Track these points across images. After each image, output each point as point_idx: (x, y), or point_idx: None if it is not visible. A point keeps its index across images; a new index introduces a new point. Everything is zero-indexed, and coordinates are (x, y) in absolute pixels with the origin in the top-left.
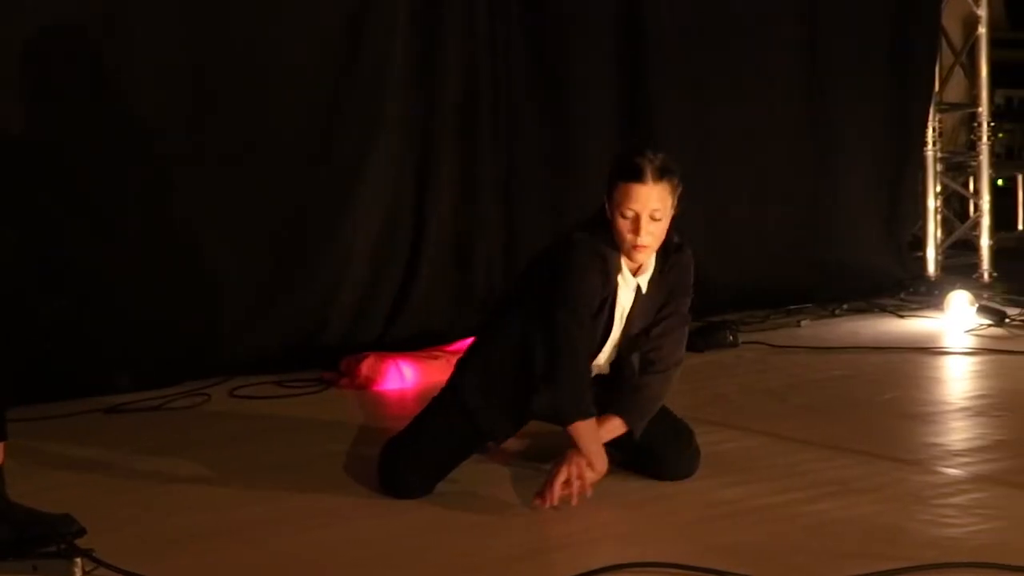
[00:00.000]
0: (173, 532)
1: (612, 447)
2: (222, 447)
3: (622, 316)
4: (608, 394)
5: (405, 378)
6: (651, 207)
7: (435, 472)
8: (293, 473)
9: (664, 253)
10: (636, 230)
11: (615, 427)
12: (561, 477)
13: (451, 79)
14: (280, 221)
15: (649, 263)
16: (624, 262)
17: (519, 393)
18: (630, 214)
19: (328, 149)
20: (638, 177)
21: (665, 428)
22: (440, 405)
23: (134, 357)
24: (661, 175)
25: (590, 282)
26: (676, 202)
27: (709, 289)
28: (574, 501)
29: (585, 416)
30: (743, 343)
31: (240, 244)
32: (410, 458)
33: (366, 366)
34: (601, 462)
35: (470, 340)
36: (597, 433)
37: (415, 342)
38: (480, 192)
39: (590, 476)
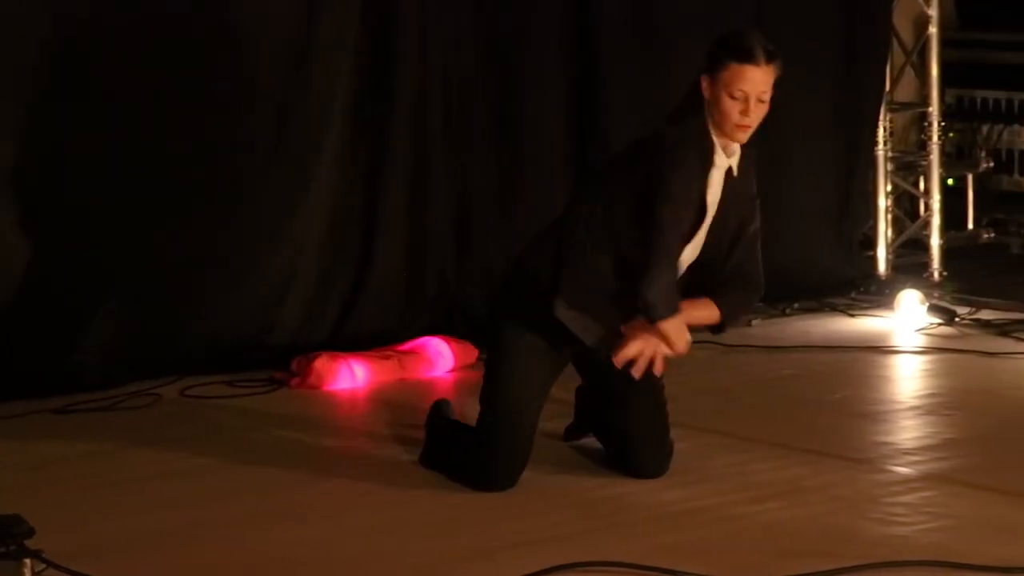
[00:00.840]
0: (125, 532)
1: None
2: (173, 447)
3: (713, 202)
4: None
5: (356, 378)
6: (760, 89)
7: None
8: (245, 473)
9: (750, 145)
10: (746, 111)
11: (710, 315)
12: (632, 351)
13: (403, 80)
14: (230, 221)
15: (736, 152)
16: (717, 144)
17: (620, 297)
18: (740, 95)
19: (279, 150)
20: (751, 59)
21: (649, 425)
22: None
23: (81, 357)
24: (770, 58)
25: (691, 175)
26: (776, 85)
27: None
28: (638, 374)
29: (674, 314)
30: (694, 343)
31: (190, 244)
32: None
33: (317, 366)
34: (683, 342)
35: (422, 339)
36: (682, 323)
37: (366, 342)
38: (431, 192)
39: (663, 351)
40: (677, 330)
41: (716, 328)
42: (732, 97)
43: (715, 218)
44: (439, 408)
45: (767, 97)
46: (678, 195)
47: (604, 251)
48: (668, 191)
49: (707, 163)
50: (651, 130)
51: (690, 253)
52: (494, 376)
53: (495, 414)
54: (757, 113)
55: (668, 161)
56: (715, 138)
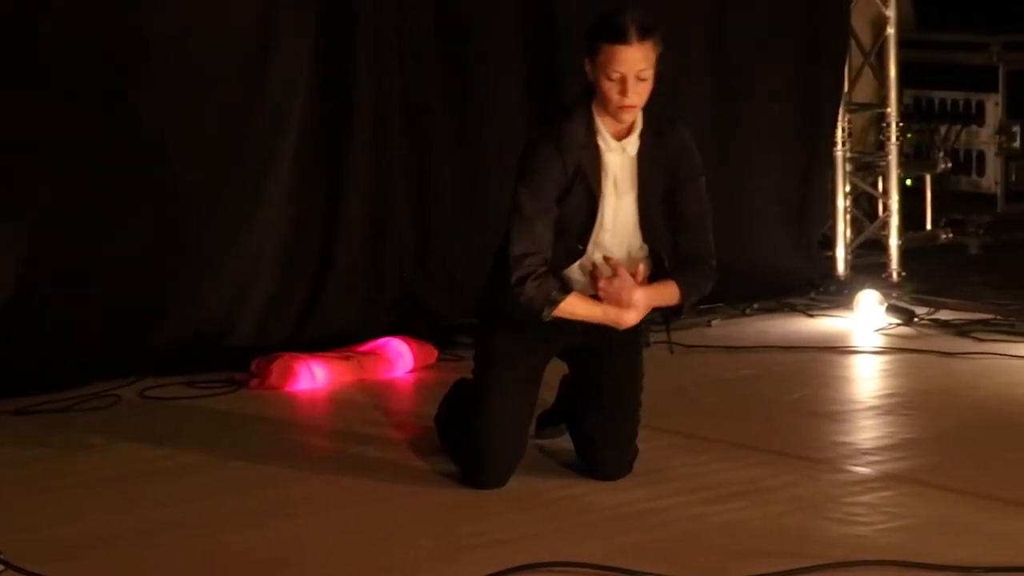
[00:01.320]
0: (84, 534)
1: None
2: (133, 448)
3: (616, 183)
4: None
5: (316, 379)
6: (637, 67)
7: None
8: (204, 474)
9: (654, 122)
10: (624, 91)
11: (671, 295)
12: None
13: (362, 80)
14: (190, 222)
15: (635, 128)
16: (605, 127)
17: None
18: (616, 75)
19: (239, 150)
20: (624, 38)
21: (615, 427)
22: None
23: (40, 358)
24: (644, 35)
25: (543, 160)
26: (658, 60)
27: None
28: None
29: (553, 306)
30: (654, 343)
31: (148, 246)
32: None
33: (277, 367)
34: (625, 315)
35: (382, 340)
36: (587, 304)
37: (327, 342)
38: (391, 193)
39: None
40: (597, 312)
41: (675, 310)
42: (610, 79)
43: (639, 201)
44: (459, 387)
45: (648, 75)
46: (528, 180)
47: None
48: (518, 174)
49: (579, 148)
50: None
51: (612, 239)
52: (483, 381)
53: (481, 420)
54: (638, 91)
55: (525, 148)
56: (600, 122)
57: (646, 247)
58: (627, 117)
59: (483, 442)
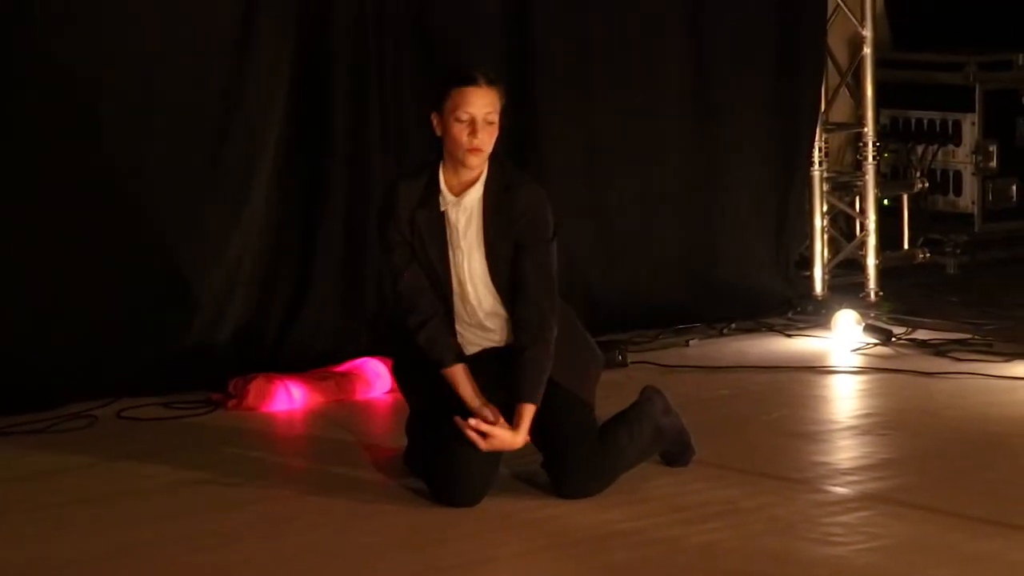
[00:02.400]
0: (62, 554)
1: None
2: (109, 469)
3: (460, 233)
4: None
5: (294, 399)
6: (485, 110)
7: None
8: (182, 494)
9: (506, 175)
10: (473, 131)
11: (528, 413)
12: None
13: (339, 98)
14: (166, 241)
15: (479, 180)
16: (447, 182)
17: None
18: (466, 117)
19: (215, 172)
20: (472, 81)
21: (574, 443)
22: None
23: (16, 379)
24: (491, 81)
25: (385, 233)
26: (502, 113)
27: (597, 305)
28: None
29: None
30: (632, 363)
31: (125, 264)
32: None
33: (254, 387)
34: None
35: (359, 360)
36: (466, 381)
37: (304, 363)
38: (370, 212)
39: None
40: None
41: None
42: (459, 120)
43: (487, 256)
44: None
45: (494, 119)
46: (386, 258)
47: None
48: (380, 245)
49: (425, 206)
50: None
51: (473, 292)
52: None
53: (449, 434)
54: (485, 135)
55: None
56: (443, 178)
57: (499, 300)
58: (475, 161)
59: (453, 456)
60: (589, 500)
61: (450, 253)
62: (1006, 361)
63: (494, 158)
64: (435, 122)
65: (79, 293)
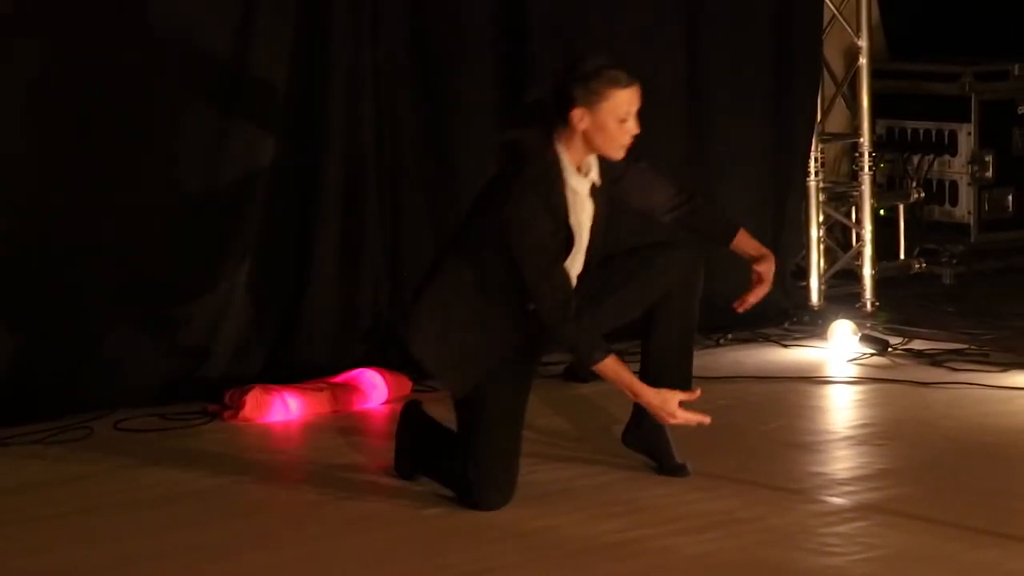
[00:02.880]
0: (56, 566)
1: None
2: (106, 480)
3: (584, 221)
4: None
5: (290, 410)
6: (638, 106)
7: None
8: (178, 506)
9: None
10: (636, 126)
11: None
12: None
13: (334, 112)
14: (164, 254)
15: (592, 162)
16: (570, 168)
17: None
18: (627, 115)
19: (211, 184)
20: (630, 82)
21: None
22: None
23: (14, 390)
24: (633, 76)
25: (536, 221)
26: None
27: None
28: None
29: (603, 353)
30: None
31: (122, 277)
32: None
33: (251, 398)
34: (646, 394)
35: (356, 371)
36: (620, 372)
37: (300, 374)
38: (365, 223)
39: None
40: (628, 383)
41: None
42: (621, 121)
43: (594, 229)
44: (415, 411)
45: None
46: (531, 246)
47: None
48: (522, 249)
49: (558, 193)
50: (500, 171)
51: (579, 264)
52: (479, 423)
53: (487, 459)
54: (635, 127)
55: (515, 217)
56: (567, 163)
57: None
58: (623, 154)
59: (493, 476)
60: (583, 511)
61: (577, 233)
62: (1002, 371)
63: None
64: (578, 116)
65: (75, 305)
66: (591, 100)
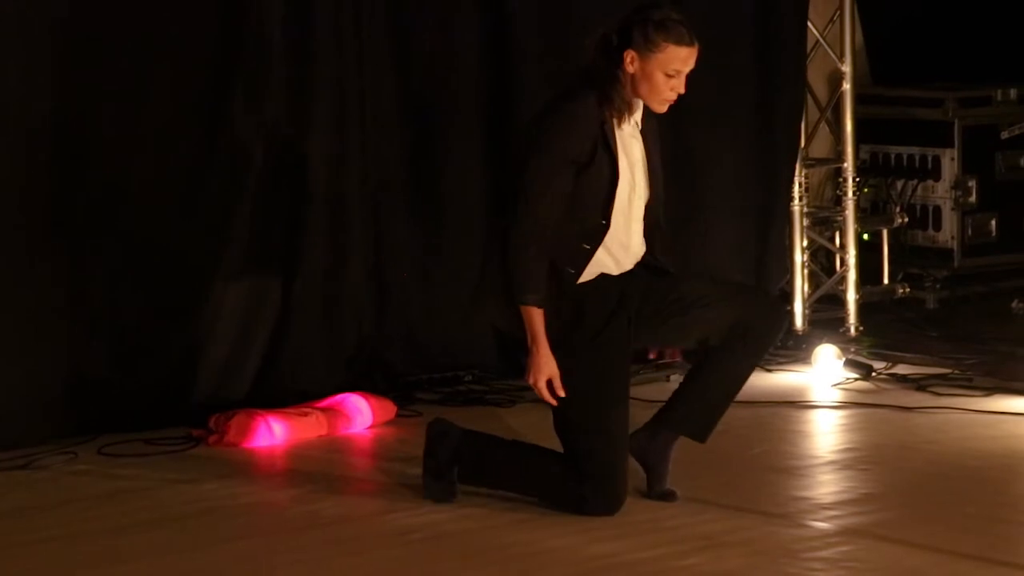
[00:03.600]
0: None
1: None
2: (90, 505)
3: (632, 164)
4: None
5: (275, 435)
6: (691, 66)
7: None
8: (163, 531)
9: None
10: (677, 87)
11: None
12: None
13: (318, 141)
14: (148, 277)
15: (638, 106)
16: (617, 106)
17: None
18: (675, 73)
19: (196, 208)
20: (689, 41)
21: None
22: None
23: None
24: (695, 39)
25: (561, 149)
26: None
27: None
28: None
29: (535, 295)
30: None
31: (107, 299)
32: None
33: (235, 423)
34: (540, 355)
35: (340, 396)
36: (535, 323)
37: (285, 399)
38: (350, 247)
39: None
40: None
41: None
42: (668, 75)
43: (649, 168)
44: (449, 426)
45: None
46: (543, 154)
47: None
48: (534, 144)
49: (597, 125)
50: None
51: (638, 206)
52: (583, 401)
53: (593, 441)
54: (681, 86)
55: (542, 118)
56: (626, 100)
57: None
58: (664, 108)
59: (602, 464)
60: (568, 536)
61: (623, 167)
62: (986, 396)
63: None
64: (629, 59)
65: (59, 329)
66: (647, 46)
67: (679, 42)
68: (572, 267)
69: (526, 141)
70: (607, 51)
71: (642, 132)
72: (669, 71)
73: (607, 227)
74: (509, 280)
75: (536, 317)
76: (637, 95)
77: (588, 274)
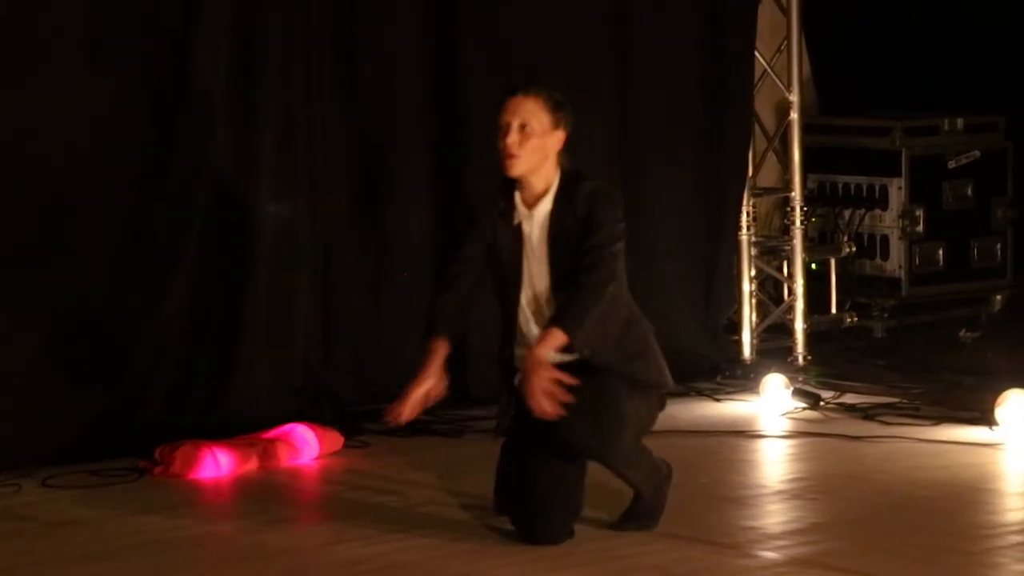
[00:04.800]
0: None
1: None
2: (34, 538)
3: (533, 246)
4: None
5: (221, 466)
6: (520, 117)
7: None
8: (108, 564)
9: (565, 183)
10: (504, 136)
11: (555, 337)
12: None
13: (264, 165)
14: (95, 308)
15: (547, 196)
16: (518, 198)
17: None
18: (502, 125)
19: (142, 240)
20: (511, 92)
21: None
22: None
23: None
24: (535, 91)
25: (473, 229)
26: (562, 130)
27: None
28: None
29: (429, 333)
30: None
31: (52, 330)
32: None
33: (181, 454)
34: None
35: (287, 427)
36: (440, 355)
37: (232, 429)
38: (296, 279)
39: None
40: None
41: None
42: (498, 130)
43: (551, 266)
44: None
45: (530, 129)
46: (461, 232)
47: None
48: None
49: (499, 220)
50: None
51: (544, 289)
52: None
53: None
54: (520, 141)
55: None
56: (518, 194)
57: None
58: (513, 170)
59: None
60: (517, 566)
61: (524, 264)
62: (934, 425)
63: (565, 173)
64: None
65: (4, 360)
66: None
67: (504, 99)
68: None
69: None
70: None
71: (553, 220)
72: (499, 125)
73: (515, 315)
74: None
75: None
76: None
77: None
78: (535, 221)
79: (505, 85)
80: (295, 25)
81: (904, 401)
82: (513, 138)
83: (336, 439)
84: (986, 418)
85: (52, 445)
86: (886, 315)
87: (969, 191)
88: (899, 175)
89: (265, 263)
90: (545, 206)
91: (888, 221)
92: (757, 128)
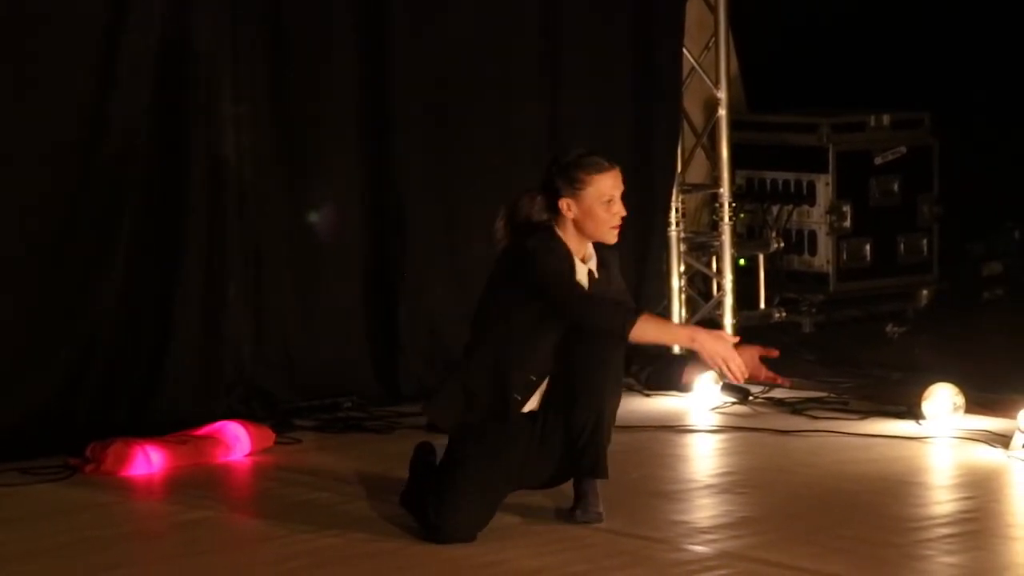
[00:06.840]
0: None
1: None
2: None
3: None
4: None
5: (152, 463)
6: (621, 189)
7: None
8: (39, 562)
9: (599, 246)
10: (622, 208)
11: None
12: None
13: (196, 165)
14: (24, 305)
15: (591, 249)
16: (573, 252)
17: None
18: (607, 198)
19: (72, 231)
20: (609, 166)
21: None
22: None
23: None
24: (612, 161)
25: (557, 257)
26: None
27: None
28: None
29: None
30: None
31: None
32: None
33: (113, 452)
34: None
35: (219, 424)
36: (660, 325)
37: (163, 427)
38: (228, 276)
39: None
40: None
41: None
42: (603, 203)
43: None
44: (422, 450)
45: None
46: (555, 275)
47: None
48: (542, 273)
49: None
50: (516, 246)
51: None
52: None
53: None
54: (621, 210)
55: (533, 255)
56: (571, 248)
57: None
58: (615, 236)
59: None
60: (451, 560)
61: None
62: (861, 419)
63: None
64: (565, 207)
65: None
66: (575, 188)
67: (600, 170)
68: (520, 395)
69: (522, 268)
70: (544, 209)
71: (593, 283)
72: (605, 199)
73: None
74: (601, 317)
75: (646, 326)
76: (585, 235)
77: (530, 405)
78: (584, 276)
79: (596, 151)
80: (224, 21)
81: (832, 396)
82: (620, 211)
83: (267, 436)
84: (913, 412)
85: None
86: (814, 310)
87: (896, 187)
88: (826, 171)
89: (195, 261)
90: (592, 263)
91: (816, 217)
92: (686, 125)
